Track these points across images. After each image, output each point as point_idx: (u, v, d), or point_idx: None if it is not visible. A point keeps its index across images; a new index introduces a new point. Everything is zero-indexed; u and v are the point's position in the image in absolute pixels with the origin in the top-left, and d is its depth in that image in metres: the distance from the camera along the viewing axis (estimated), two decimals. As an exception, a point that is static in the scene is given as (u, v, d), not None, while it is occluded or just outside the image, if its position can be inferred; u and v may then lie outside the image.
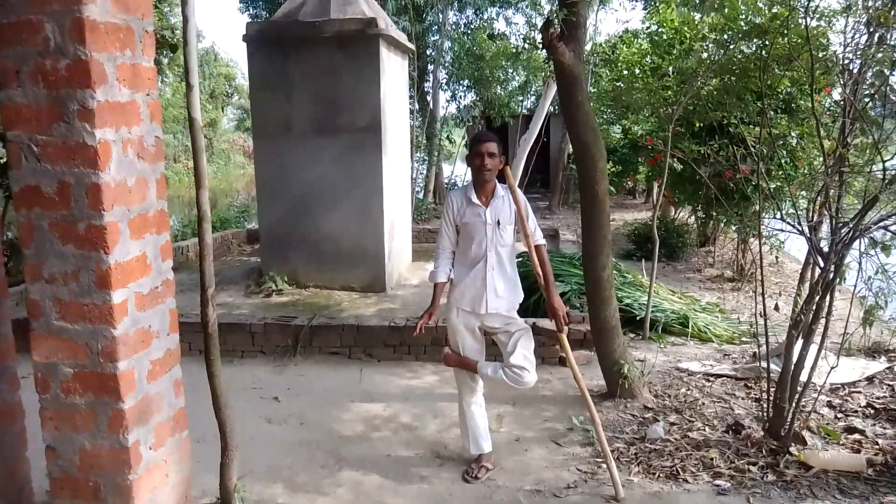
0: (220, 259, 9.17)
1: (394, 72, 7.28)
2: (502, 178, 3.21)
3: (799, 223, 3.44)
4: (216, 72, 30.37)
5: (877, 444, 3.36)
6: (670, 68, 6.34)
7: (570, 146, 13.04)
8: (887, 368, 4.37)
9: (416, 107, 13.18)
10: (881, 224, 2.98)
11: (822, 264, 3.23)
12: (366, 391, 4.48)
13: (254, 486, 3.25)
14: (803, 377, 3.32)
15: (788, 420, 3.27)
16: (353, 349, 5.09)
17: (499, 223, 3.16)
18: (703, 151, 6.24)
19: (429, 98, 13.80)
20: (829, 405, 3.89)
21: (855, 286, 3.35)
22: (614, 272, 6.15)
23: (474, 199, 3.17)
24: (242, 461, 3.41)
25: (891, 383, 4.17)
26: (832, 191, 3.31)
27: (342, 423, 4.00)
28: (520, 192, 3.20)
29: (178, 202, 22.19)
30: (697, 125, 6.60)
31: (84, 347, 2.05)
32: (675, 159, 7.02)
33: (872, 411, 3.80)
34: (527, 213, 3.21)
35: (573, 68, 3.76)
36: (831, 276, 3.18)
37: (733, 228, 7.86)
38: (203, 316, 2.73)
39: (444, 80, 14.59)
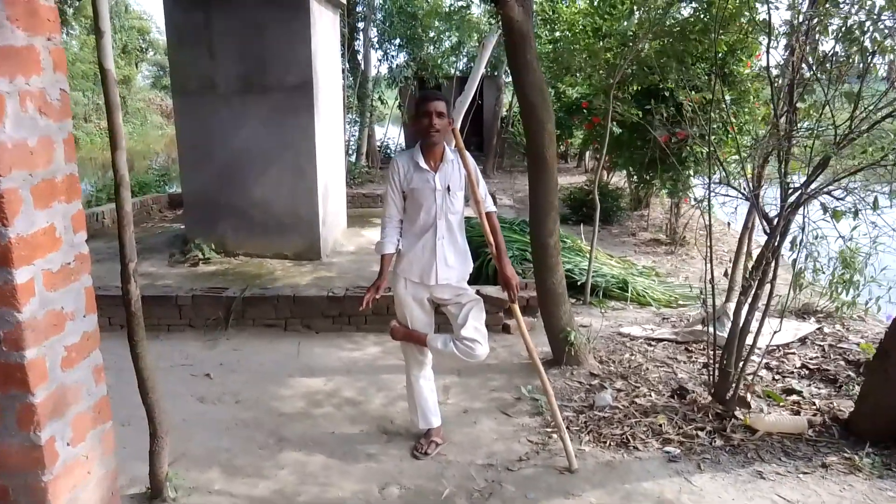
0: (141, 226, 8.60)
1: (325, 27, 6.89)
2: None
3: (745, 188, 3.44)
4: (128, 25, 28.36)
5: (814, 404, 3.46)
6: (610, 29, 6.25)
7: (504, 109, 12.96)
8: (817, 329, 4.53)
9: (347, 66, 12.68)
10: (830, 188, 2.98)
11: (768, 230, 3.24)
12: (305, 365, 4.27)
13: (188, 471, 3.02)
14: (748, 342, 3.35)
15: (734, 385, 3.31)
16: (289, 321, 4.85)
17: (449, 189, 2.98)
18: (641, 115, 6.23)
19: (360, 57, 13.30)
20: (767, 367, 3.99)
21: (798, 253, 3.38)
22: (554, 237, 6.13)
23: (422, 163, 2.98)
24: (175, 444, 3.17)
25: (821, 344, 4.32)
26: (778, 154, 3.31)
27: (281, 399, 3.79)
28: (470, 157, 3.03)
29: (91, 164, 20.83)
30: (637, 88, 6.59)
31: (-17, 334, 1.76)
32: (613, 123, 7.01)
33: (807, 372, 3.92)
34: (477, 179, 3.05)
35: (522, 25, 3.59)
36: (777, 242, 3.19)
37: (665, 192, 7.98)
38: (125, 293, 2.46)
39: (376, 39, 14.10)
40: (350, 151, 13.76)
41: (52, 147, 1.85)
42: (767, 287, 3.31)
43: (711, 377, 3.51)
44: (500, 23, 3.61)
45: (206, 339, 4.66)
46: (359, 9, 13.36)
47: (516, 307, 3.06)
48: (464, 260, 3.11)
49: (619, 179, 10.31)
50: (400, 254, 3.09)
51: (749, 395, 3.38)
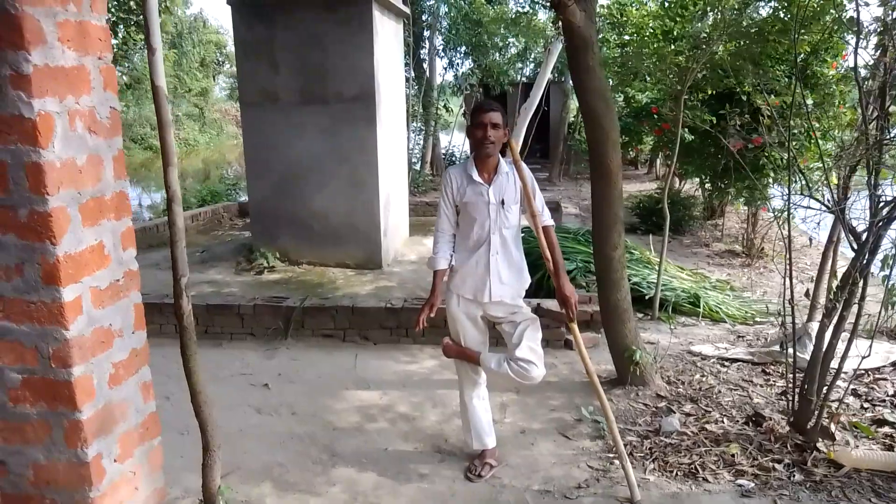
0: (211, 234, 8.88)
1: (387, 37, 6.90)
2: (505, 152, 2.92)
3: (829, 199, 3.17)
4: (206, 39, 29.62)
5: (909, 437, 3.13)
6: (682, 31, 5.98)
7: (571, 115, 12.71)
8: (912, 352, 4.14)
9: (412, 75, 12.75)
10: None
11: (855, 246, 2.96)
12: (361, 377, 4.24)
13: (241, 485, 3.01)
14: (833, 366, 3.08)
15: (816, 414, 3.04)
16: (347, 332, 4.84)
17: (503, 203, 2.86)
18: (714, 121, 5.93)
19: (425, 65, 13.35)
20: (855, 393, 3.66)
21: (890, 270, 3.07)
22: (621, 248, 5.90)
23: (475, 176, 2.87)
24: (230, 456, 3.19)
25: (917, 368, 3.95)
26: (867, 163, 3.02)
27: (336, 413, 3.76)
28: (526, 168, 2.90)
29: (162, 176, 21.78)
30: (709, 93, 6.27)
31: (33, 351, 1.78)
32: (685, 129, 6.70)
33: (900, 400, 3.57)
34: (533, 191, 2.91)
35: (584, 30, 3.44)
36: (866, 259, 2.91)
37: (742, 202, 7.57)
38: (177, 308, 2.45)
39: (441, 47, 14.12)
40: (414, 160, 13.82)
41: (101, 165, 1.85)
42: (854, 307, 3.02)
43: (791, 404, 3.24)
44: (561, 28, 3.48)
45: (266, 349, 4.70)
46: (424, 17, 13.42)
47: (574, 326, 2.91)
48: (519, 276, 2.98)
49: (691, 187, 9.88)
50: (453, 269, 2.99)
51: (833, 426, 3.09)
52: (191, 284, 6.39)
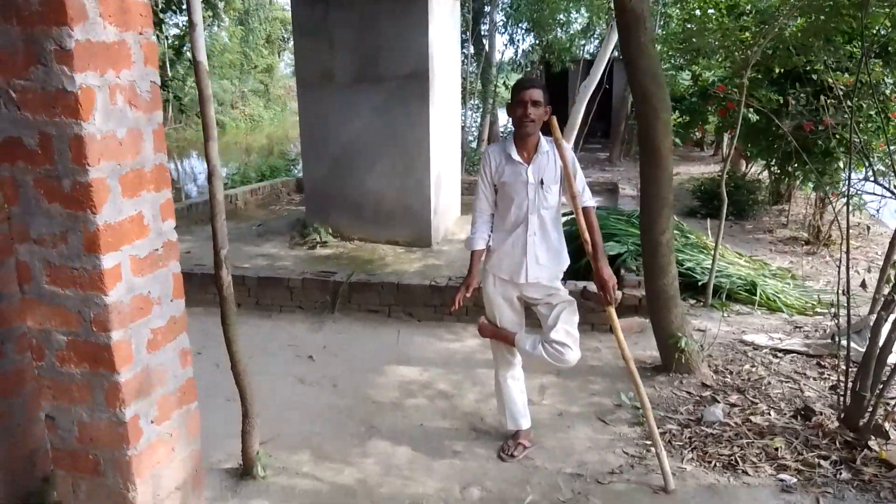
0: (269, 208, 9.13)
1: (443, 15, 6.85)
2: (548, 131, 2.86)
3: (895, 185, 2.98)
4: (271, 16, 30.13)
5: (973, 440, 2.94)
6: (749, 6, 5.68)
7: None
8: None
9: (471, 51, 12.63)
10: None
11: (922, 235, 2.78)
12: (403, 353, 4.29)
13: (280, 452, 3.11)
14: (890, 360, 2.91)
15: (869, 410, 2.89)
16: (392, 308, 4.90)
17: (542, 183, 2.81)
18: (783, 100, 5.63)
19: (484, 42, 13.19)
20: (916, 392, 3.46)
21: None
22: (675, 232, 5.72)
23: (514, 155, 2.83)
24: (272, 424, 3.30)
25: None
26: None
27: (376, 387, 3.82)
28: (567, 147, 2.83)
29: (235, 149, 22.44)
30: (777, 71, 5.96)
31: (76, 315, 1.88)
32: (750, 109, 6.40)
33: (967, 401, 3.35)
34: (574, 171, 2.84)
35: (636, 5, 3.31)
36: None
37: (811, 186, 7.20)
38: (217, 279, 2.55)
39: (501, 23, 13.91)
40: (471, 137, 13.75)
41: (140, 138, 1.92)
42: (918, 301, 2.84)
43: (842, 399, 3.09)
44: (613, 4, 3.36)
45: (313, 322, 4.81)
46: (485, -7, 13.24)
47: (612, 310, 2.84)
48: (557, 258, 2.94)
49: (757, 170, 9.46)
50: (490, 249, 2.97)
51: (888, 424, 2.94)
52: (245, 257, 6.61)
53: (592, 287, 4.46)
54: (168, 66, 23.28)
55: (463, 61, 11.92)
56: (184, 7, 10.46)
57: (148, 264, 1.98)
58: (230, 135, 25.41)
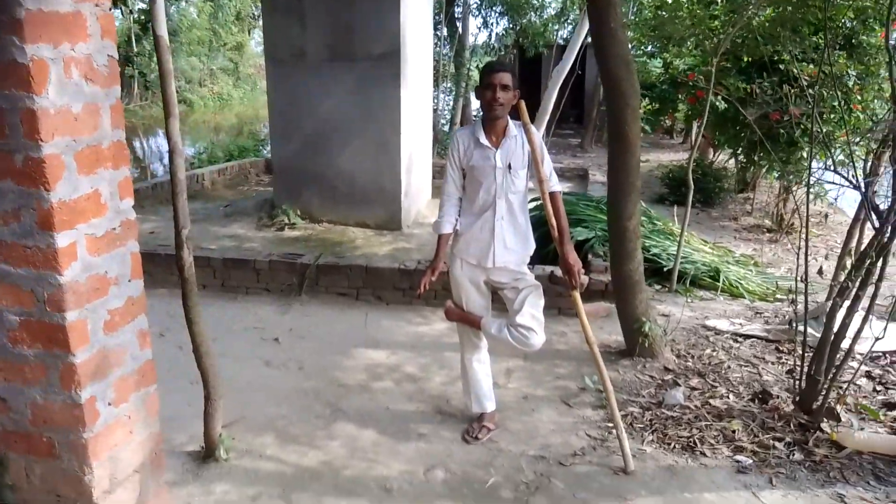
0: (237, 188, 9.00)
1: (416, -6, 6.77)
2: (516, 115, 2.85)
3: (854, 175, 3.04)
4: (243, -8, 29.45)
5: (920, 423, 3.05)
6: (719, -5, 5.73)
7: (605, 81, 12.19)
8: (935, 337, 4.00)
9: (445, 33, 12.54)
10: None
11: (877, 224, 2.85)
12: (371, 336, 4.28)
13: (244, 434, 3.09)
14: (844, 345, 3.00)
15: (822, 394, 2.98)
16: (361, 291, 4.88)
17: (510, 167, 2.82)
18: (749, 89, 5.71)
19: (458, 24, 13.10)
20: (868, 375, 3.58)
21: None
22: (643, 219, 5.79)
23: (483, 139, 2.82)
24: (236, 407, 3.28)
25: (938, 354, 3.82)
26: (894, 139, 2.89)
27: (343, 370, 3.81)
28: (535, 132, 2.83)
29: (203, 127, 22.01)
30: (745, 60, 6.04)
31: (30, 294, 1.83)
32: (719, 97, 6.48)
33: (916, 385, 3.47)
34: (542, 156, 2.85)
35: (607, -10, 3.31)
36: (887, 238, 2.80)
37: (775, 175, 7.34)
38: (178, 259, 2.51)
39: (475, 6, 13.82)
40: (444, 121, 13.69)
41: (98, 114, 1.86)
42: (872, 288, 2.92)
43: (798, 383, 3.18)
44: (584, -13, 3.35)
45: (280, 304, 4.77)
46: (459, -25, 13.13)
47: (577, 295, 2.87)
48: (524, 243, 2.95)
49: (725, 158, 9.61)
50: (457, 234, 2.97)
51: (840, 407, 3.04)
52: (212, 238, 6.52)
53: (560, 272, 4.51)
54: (133, 41, 22.69)
55: (436, 43, 11.82)
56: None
57: (105, 243, 1.93)
58: (198, 113, 24.89)
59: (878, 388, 3.46)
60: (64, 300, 1.81)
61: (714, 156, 9.70)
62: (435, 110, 12.16)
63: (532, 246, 3.00)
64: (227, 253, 5.12)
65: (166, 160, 14.09)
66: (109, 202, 1.94)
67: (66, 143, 1.77)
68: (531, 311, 2.87)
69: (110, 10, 1.89)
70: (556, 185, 2.91)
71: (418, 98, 7.19)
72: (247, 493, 2.64)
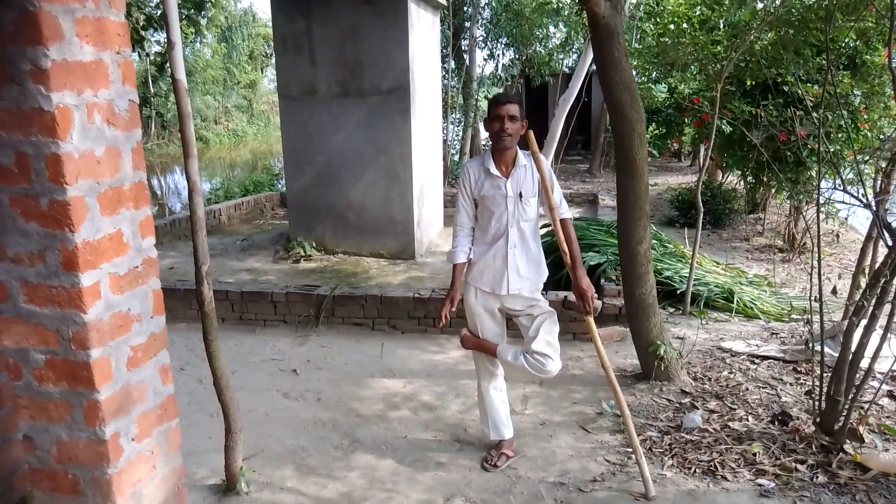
0: (253, 223, 9.11)
1: (423, 30, 6.93)
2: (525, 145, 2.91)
3: (863, 193, 3.06)
4: (255, 32, 30.20)
5: (944, 442, 3.01)
6: (721, 21, 5.82)
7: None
8: (957, 354, 3.96)
9: (452, 66, 12.74)
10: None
11: (890, 242, 2.85)
12: (387, 366, 4.30)
13: (264, 467, 3.11)
14: (863, 365, 2.97)
15: (844, 414, 2.95)
16: (376, 321, 4.91)
17: (521, 196, 2.86)
18: (754, 112, 5.76)
19: (465, 56, 13.31)
20: (891, 395, 3.53)
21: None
22: (654, 241, 5.80)
23: (493, 169, 2.88)
24: (255, 439, 3.30)
25: (960, 370, 3.77)
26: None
27: (360, 400, 3.83)
28: (544, 160, 2.88)
29: (219, 164, 22.37)
30: (749, 83, 6.09)
31: (55, 333, 1.88)
32: (724, 121, 6.53)
33: (939, 403, 3.43)
34: (552, 184, 2.90)
35: (609, 20, 3.39)
36: (900, 255, 2.80)
37: (785, 195, 7.34)
38: (198, 294, 2.56)
39: (482, 38, 14.05)
40: (453, 151, 13.83)
41: (119, 156, 1.93)
42: (888, 306, 2.91)
43: (818, 404, 3.15)
44: (587, 19, 3.43)
45: (297, 335, 4.81)
46: (465, 8, 13.37)
47: (591, 320, 2.89)
48: (537, 269, 2.98)
49: (733, 179, 9.62)
50: (471, 262, 3.01)
51: (862, 428, 3.00)
52: (229, 272, 6.59)
53: (573, 297, 4.52)
54: (150, 82, 23.24)
55: (444, 76, 12.02)
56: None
57: (127, 281, 1.99)
58: (213, 150, 25.34)
59: (901, 407, 3.41)
60: (88, 338, 1.86)
61: (723, 177, 9.71)
62: (444, 141, 12.30)
63: (545, 272, 3.02)
64: (244, 286, 5.18)
65: (184, 196, 14.29)
66: (131, 241, 2.00)
67: (90, 186, 1.83)
68: (546, 338, 2.88)
69: (130, 56, 1.97)
70: (567, 212, 2.95)
71: (428, 129, 7.30)
72: (267, 527, 2.65)
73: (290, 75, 6.72)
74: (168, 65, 2.18)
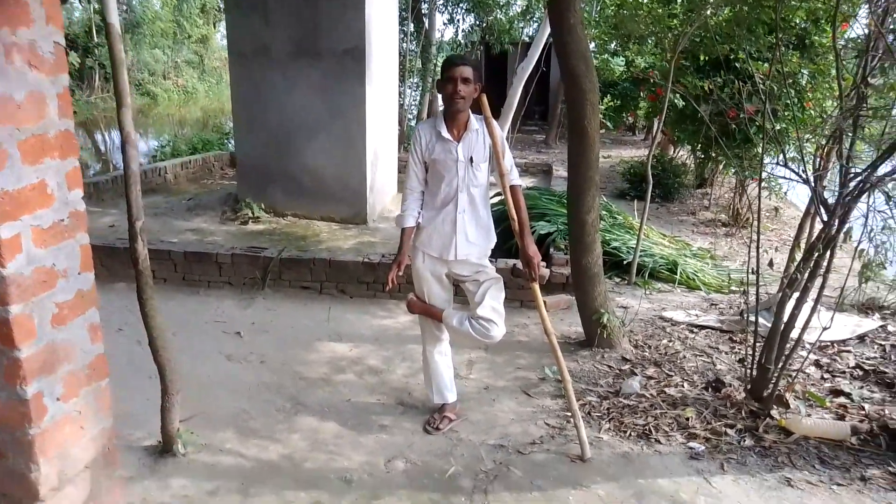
0: (200, 182, 8.86)
1: (381, -11, 6.75)
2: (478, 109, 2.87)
3: (804, 170, 3.14)
4: (207, -16, 28.90)
5: (863, 409, 3.17)
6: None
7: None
8: (880, 327, 4.16)
9: (411, 28, 12.51)
10: None
11: (825, 217, 2.94)
12: (334, 330, 4.27)
13: (203, 429, 3.06)
14: (794, 335, 3.09)
15: (773, 382, 3.07)
16: (324, 284, 4.86)
17: (472, 161, 2.84)
18: (706, 87, 5.84)
19: (424, 20, 13.07)
20: (817, 364, 3.70)
21: (858, 241, 3.08)
22: (604, 213, 5.88)
23: (444, 132, 2.84)
24: (196, 401, 3.24)
25: (882, 343, 3.97)
26: (845, 136, 2.99)
27: (306, 364, 3.80)
28: (496, 125, 2.86)
29: (168, 121, 21.57)
30: (703, 59, 6.16)
31: (-28, 288, 1.78)
32: (677, 95, 6.61)
33: (861, 373, 3.61)
34: (503, 150, 2.87)
35: (566, -14, 3.35)
36: (834, 230, 2.90)
37: (732, 171, 7.52)
38: (132, 251, 2.46)
39: (442, 2, 13.81)
40: (411, 116, 13.66)
41: (43, 102, 1.82)
42: (820, 279, 3.02)
43: (749, 372, 3.27)
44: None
45: (243, 298, 4.72)
46: (426, -31, 13.09)
47: (536, 287, 2.91)
48: (486, 236, 2.98)
49: (684, 154, 9.80)
50: (420, 227, 2.98)
51: (788, 395, 3.13)
52: (174, 231, 6.41)
53: (521, 265, 4.55)
54: (94, 32, 22.09)
55: (402, 39, 11.79)
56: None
57: (52, 235, 1.89)
58: (162, 106, 24.37)
59: (825, 376, 3.58)
60: (7, 293, 1.77)
61: (674, 152, 9.88)
62: (401, 106, 12.13)
63: (493, 239, 3.02)
64: (187, 246, 5.04)
65: (143, 151, 13.66)
66: (57, 193, 1.90)
67: (9, 132, 1.73)
68: (492, 304, 2.90)
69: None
70: (517, 179, 2.94)
71: (384, 94, 7.17)
72: (204, 488, 2.62)
73: (242, 32, 6.48)
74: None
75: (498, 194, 3.95)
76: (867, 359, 3.75)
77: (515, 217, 2.89)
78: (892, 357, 3.77)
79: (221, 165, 9.85)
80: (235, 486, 2.64)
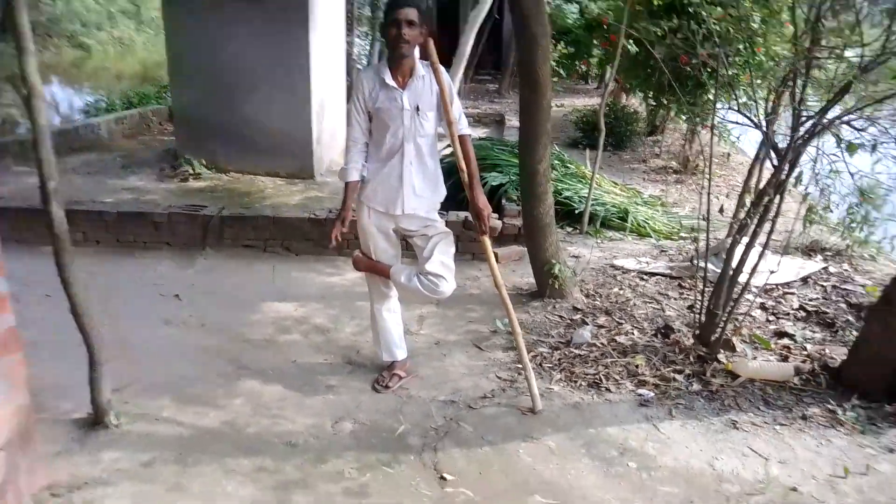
0: (137, 138, 8.42)
1: (321, -73, 6.36)
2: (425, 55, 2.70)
3: (756, 115, 3.09)
4: (140, -74, 27.13)
5: (805, 349, 3.23)
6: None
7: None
8: (823, 269, 4.24)
9: (358, -27, 11.98)
10: (851, 117, 2.64)
11: (776, 162, 2.91)
12: (279, 289, 4.13)
13: (138, 398, 2.91)
14: (742, 280, 3.10)
15: (720, 326, 3.09)
16: (269, 242, 4.68)
17: (418, 109, 2.68)
18: (659, 32, 5.73)
19: (372, -36, 12.53)
20: (763, 307, 3.75)
21: (806, 186, 3.07)
22: (556, 162, 5.81)
23: (388, 79, 2.66)
24: (131, 368, 3.08)
25: (824, 284, 4.05)
26: (798, 78, 2.94)
27: (249, 325, 3.66)
28: (444, 72, 2.69)
29: (104, 74, 20.43)
30: (656, 2, 6.04)
31: None
32: (631, 41, 6.50)
33: (804, 314, 3.67)
34: (451, 97, 2.72)
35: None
36: (785, 175, 2.88)
37: (683, 118, 7.51)
38: (46, 214, 2.26)
39: (390, -56, 13.23)
40: (360, 66, 13.22)
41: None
42: (769, 224, 3.01)
43: (698, 317, 3.28)
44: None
45: (181, 259, 4.51)
46: None
47: (486, 239, 2.81)
48: (434, 188, 2.85)
49: (636, 102, 9.76)
50: (365, 180, 2.83)
51: (735, 338, 3.16)
52: (109, 190, 6.10)
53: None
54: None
55: (348, -17, 11.27)
56: None
57: (-60, 195, 1.69)
58: (97, 59, 23.04)
59: (771, 318, 3.63)
60: None
61: (626, 100, 9.82)
62: (349, 55, 11.69)
63: (442, 192, 2.90)
64: (120, 206, 4.77)
65: (62, 109, 12.92)
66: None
67: None
68: (441, 259, 2.80)
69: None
70: (466, 128, 2.81)
71: (330, 41, 6.84)
72: (139, 459, 2.49)
73: (172, -28, 6.04)
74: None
75: (449, 146, 3.82)
76: (810, 300, 3.82)
77: (464, 168, 2.77)
78: (833, 298, 3.85)
79: (160, 121, 9.37)
80: (173, 455, 2.52)
